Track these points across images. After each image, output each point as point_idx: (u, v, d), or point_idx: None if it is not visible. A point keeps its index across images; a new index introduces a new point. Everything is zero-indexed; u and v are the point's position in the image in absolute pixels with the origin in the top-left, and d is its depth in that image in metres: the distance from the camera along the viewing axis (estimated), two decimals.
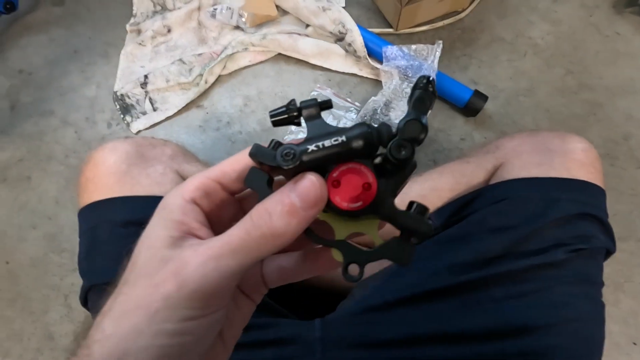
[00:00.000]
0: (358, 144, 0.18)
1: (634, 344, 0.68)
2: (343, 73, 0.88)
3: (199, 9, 0.92)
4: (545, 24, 0.94)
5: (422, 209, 0.19)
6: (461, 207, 0.52)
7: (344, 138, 0.18)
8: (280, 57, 0.90)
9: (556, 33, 0.93)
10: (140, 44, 0.90)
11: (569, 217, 0.44)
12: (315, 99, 0.21)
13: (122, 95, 0.85)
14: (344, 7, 0.93)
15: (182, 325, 0.17)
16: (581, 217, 0.45)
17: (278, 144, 0.20)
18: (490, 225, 0.46)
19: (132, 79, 0.87)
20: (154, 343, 0.17)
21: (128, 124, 0.84)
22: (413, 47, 0.81)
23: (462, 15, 0.93)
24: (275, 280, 0.23)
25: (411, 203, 0.20)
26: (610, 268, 0.72)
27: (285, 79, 0.88)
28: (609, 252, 0.46)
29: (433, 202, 0.55)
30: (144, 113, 0.85)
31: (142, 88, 0.85)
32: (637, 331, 0.69)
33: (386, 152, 0.18)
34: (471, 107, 0.80)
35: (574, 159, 0.48)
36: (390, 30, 0.92)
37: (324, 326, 0.43)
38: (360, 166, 0.19)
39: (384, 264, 0.53)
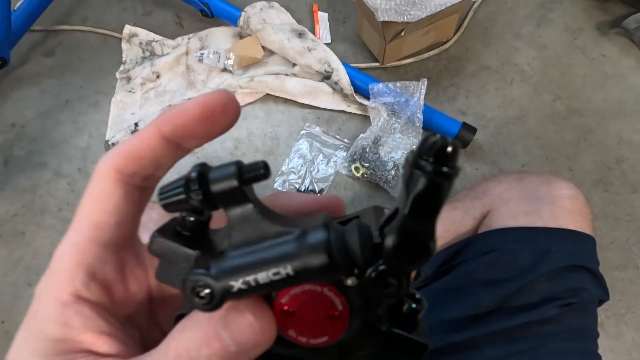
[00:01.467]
0: (312, 274, 0.12)
1: None
2: (331, 110, 0.89)
3: (186, 53, 0.94)
4: (530, 49, 0.94)
5: (415, 312, 0.14)
6: (450, 256, 0.52)
7: (289, 271, 0.12)
8: (269, 97, 0.90)
9: (542, 58, 0.93)
10: (130, 91, 0.91)
11: (559, 270, 0.44)
12: (236, 163, 0.13)
13: (113, 144, 0.86)
14: (330, 44, 0.94)
15: None
16: (572, 269, 0.44)
17: (193, 225, 0.14)
18: (481, 278, 0.46)
19: (123, 126, 0.88)
20: None
21: None
22: (398, 84, 0.82)
23: (448, 45, 0.94)
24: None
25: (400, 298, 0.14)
26: (610, 299, 0.71)
27: (274, 119, 0.89)
28: (602, 300, 0.46)
29: None
30: None
31: None
32: None
33: (364, 279, 0.12)
34: (460, 139, 0.80)
35: (561, 207, 0.48)
36: (377, 64, 0.92)
37: None
38: (323, 288, 0.13)
39: None
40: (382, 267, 0.12)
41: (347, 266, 0.12)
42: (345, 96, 0.87)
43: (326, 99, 0.88)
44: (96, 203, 0.14)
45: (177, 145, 0.14)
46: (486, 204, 0.53)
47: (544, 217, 0.47)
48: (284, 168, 0.84)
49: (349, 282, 0.13)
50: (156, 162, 0.14)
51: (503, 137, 0.86)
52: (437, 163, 0.11)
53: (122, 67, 0.95)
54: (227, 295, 0.12)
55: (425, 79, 0.80)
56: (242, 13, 0.90)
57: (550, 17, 0.98)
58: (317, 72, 0.87)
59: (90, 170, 0.85)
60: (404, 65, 0.93)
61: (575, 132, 0.86)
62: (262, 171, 0.13)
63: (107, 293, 0.14)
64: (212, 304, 0.12)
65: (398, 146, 0.80)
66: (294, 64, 0.91)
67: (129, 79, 0.94)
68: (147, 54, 0.97)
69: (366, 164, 0.80)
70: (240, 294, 0.12)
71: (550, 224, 0.47)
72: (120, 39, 0.98)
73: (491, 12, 0.98)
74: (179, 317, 0.14)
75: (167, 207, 0.13)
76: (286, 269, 0.12)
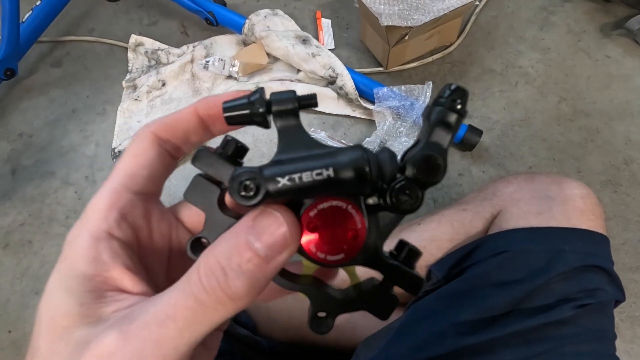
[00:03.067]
0: (349, 178, 0.13)
1: None
2: (336, 115, 0.89)
3: (192, 61, 0.95)
4: (534, 52, 0.94)
5: (414, 254, 0.16)
6: (461, 258, 0.51)
7: (330, 172, 0.13)
8: None
9: (546, 61, 0.93)
10: (136, 99, 0.92)
11: (573, 270, 0.43)
12: (292, 92, 0.15)
13: (120, 152, 0.86)
14: (334, 49, 0.95)
15: None
16: (586, 270, 0.43)
17: (233, 146, 0.15)
18: (494, 280, 0.45)
19: (130, 135, 0.88)
20: None
21: None
22: (403, 87, 0.82)
23: (451, 49, 0.94)
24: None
25: (401, 244, 0.16)
26: (624, 302, 0.69)
27: None
28: (618, 301, 0.45)
29: (433, 253, 0.54)
30: None
31: None
32: None
33: (387, 194, 0.14)
34: (467, 142, 0.80)
35: (573, 207, 0.47)
36: (381, 69, 0.93)
37: None
38: (348, 206, 0.14)
39: None
40: (403, 181, 0.14)
41: (378, 179, 0.14)
42: (350, 101, 0.88)
43: (331, 104, 0.88)
44: (133, 158, 0.16)
45: (206, 126, 0.16)
46: (496, 204, 0.53)
47: (556, 217, 0.47)
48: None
49: (371, 201, 0.15)
50: (186, 136, 0.16)
51: (509, 139, 0.85)
52: (451, 99, 0.14)
53: (128, 76, 0.96)
54: (272, 190, 0.13)
55: (431, 82, 0.81)
56: (247, 21, 0.91)
57: (553, 20, 0.98)
58: (322, 77, 0.88)
59: (98, 178, 0.86)
60: (408, 69, 0.93)
61: (582, 134, 0.85)
62: (313, 101, 0.15)
63: (135, 236, 0.16)
64: (257, 197, 0.13)
65: (404, 149, 0.80)
66: (299, 70, 0.91)
67: (135, 88, 0.94)
68: (153, 62, 0.98)
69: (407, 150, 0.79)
70: (284, 191, 0.13)
71: (562, 224, 0.46)
72: (126, 49, 0.99)
73: (493, 16, 0.99)
74: (195, 241, 0.15)
75: (230, 118, 0.15)
76: (328, 171, 0.13)
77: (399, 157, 0.15)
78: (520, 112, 0.88)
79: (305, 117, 0.89)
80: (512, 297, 0.43)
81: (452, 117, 0.14)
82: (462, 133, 0.80)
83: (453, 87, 0.14)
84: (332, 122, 0.89)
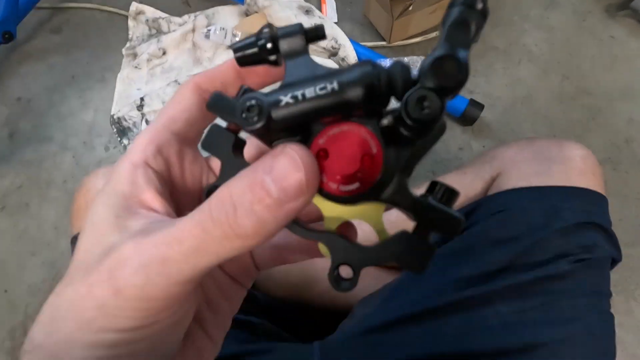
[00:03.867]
0: (356, 94, 0.12)
1: None
2: None
3: (193, 30, 0.94)
4: (538, 31, 0.94)
5: (450, 193, 0.14)
6: None
7: (335, 85, 0.12)
8: None
9: (550, 40, 0.93)
10: (136, 67, 0.91)
11: (571, 226, 0.43)
12: (299, 24, 0.14)
13: (119, 118, 0.86)
14: (336, 23, 0.94)
15: (125, 335, 0.14)
16: (584, 226, 0.43)
17: (248, 91, 0.14)
18: (493, 237, 0.45)
19: (129, 102, 0.88)
20: (92, 354, 0.14)
21: (125, 147, 0.84)
22: (406, 59, 0.81)
23: None
24: (269, 262, 0.20)
25: (433, 184, 0.14)
26: (619, 275, 0.70)
27: None
28: (614, 260, 0.45)
29: None
30: None
31: (139, 110, 0.86)
32: None
33: (400, 108, 0.12)
34: (468, 116, 0.80)
35: (573, 167, 0.47)
36: (384, 43, 0.92)
37: (322, 350, 0.42)
38: (360, 129, 0.13)
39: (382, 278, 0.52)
40: (420, 89, 0.12)
41: (389, 92, 0.13)
42: None
43: None
44: (174, 103, 0.17)
45: (243, 79, 0.17)
46: (496, 166, 0.52)
47: (555, 177, 0.47)
48: None
49: (385, 121, 0.13)
50: (224, 87, 0.17)
51: (511, 115, 0.85)
52: None
53: (128, 44, 0.95)
54: (274, 107, 0.12)
55: None
56: None
57: (558, 0, 0.97)
58: (324, 49, 0.87)
59: (96, 144, 0.85)
60: (411, 44, 0.92)
61: (584, 112, 0.85)
62: (320, 32, 0.15)
63: (167, 169, 0.17)
64: (260, 116, 0.12)
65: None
66: None
67: (135, 56, 0.93)
68: (154, 31, 0.97)
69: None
70: (286, 107, 0.12)
71: (562, 183, 0.46)
72: (126, 17, 0.98)
73: None
74: (210, 189, 0.14)
75: (240, 58, 0.15)
76: (332, 84, 0.12)
77: (415, 72, 0.13)
78: (522, 89, 0.88)
79: None
80: (510, 253, 0.43)
81: (472, 16, 0.12)
82: (464, 107, 0.80)
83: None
84: None
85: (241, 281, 0.20)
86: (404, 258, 0.14)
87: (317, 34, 0.14)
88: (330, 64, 0.86)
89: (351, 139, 0.13)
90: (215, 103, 0.15)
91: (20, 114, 0.89)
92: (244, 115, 0.12)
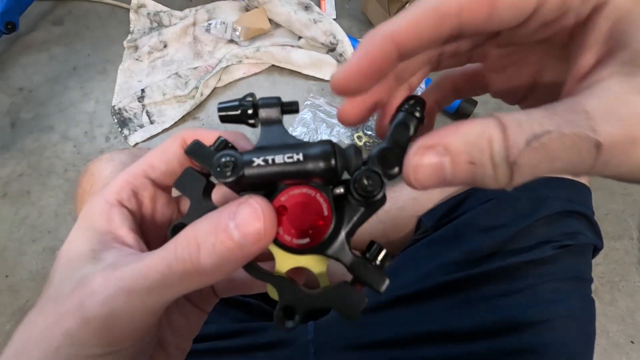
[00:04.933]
0: (317, 165, 0.15)
1: (632, 342, 0.68)
2: None
3: (194, 24, 0.95)
4: None
5: (383, 256, 0.16)
6: (451, 208, 0.53)
7: (300, 156, 0.15)
8: (274, 68, 0.92)
9: None
10: (137, 59, 0.93)
11: (556, 214, 0.45)
12: (277, 98, 0.17)
13: (119, 109, 0.87)
14: (335, 19, 0.95)
15: None
16: (568, 215, 0.45)
17: (224, 144, 0.16)
18: (480, 225, 0.47)
19: (130, 93, 0.89)
20: None
21: (126, 137, 0.85)
22: None
23: None
24: (226, 291, 0.21)
25: (371, 244, 0.16)
26: (604, 267, 0.72)
27: (279, 90, 0.90)
28: (596, 248, 0.47)
29: (424, 204, 0.56)
30: (141, 126, 0.86)
31: (139, 102, 0.87)
32: (635, 329, 0.69)
33: (350, 183, 0.15)
34: (461, 112, 0.82)
35: None
36: None
37: (317, 329, 0.44)
38: (316, 193, 0.15)
39: None
40: (366, 170, 0.15)
41: (343, 168, 0.16)
42: None
43: (331, 71, 0.89)
44: (158, 152, 0.18)
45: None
46: None
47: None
48: (295, 123, 0.85)
49: (337, 191, 0.16)
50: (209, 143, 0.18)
51: (503, 112, 0.87)
52: (412, 106, 0.16)
53: (129, 37, 0.97)
54: (246, 166, 0.15)
55: None
56: None
57: None
58: (323, 44, 0.89)
59: (97, 134, 0.87)
60: None
61: None
62: (295, 107, 0.17)
63: (140, 209, 0.18)
64: (233, 173, 0.14)
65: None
66: (300, 37, 0.92)
67: (136, 48, 0.95)
68: (155, 24, 0.98)
69: (369, 132, 0.81)
70: (257, 168, 0.15)
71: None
72: (127, 10, 0.99)
73: None
74: (176, 227, 0.16)
75: (223, 117, 0.17)
76: (298, 155, 0.15)
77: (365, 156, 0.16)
78: None
79: (304, 84, 0.91)
80: (497, 240, 0.45)
81: (412, 121, 0.16)
82: (457, 103, 0.82)
83: (414, 97, 0.16)
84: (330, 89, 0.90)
85: (201, 307, 0.21)
86: (341, 305, 0.16)
87: (291, 108, 0.17)
88: (321, 103, 0.88)
89: (308, 201, 0.15)
90: (194, 150, 0.16)
91: (21, 103, 0.90)
92: (218, 168, 0.15)
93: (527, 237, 0.45)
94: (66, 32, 0.98)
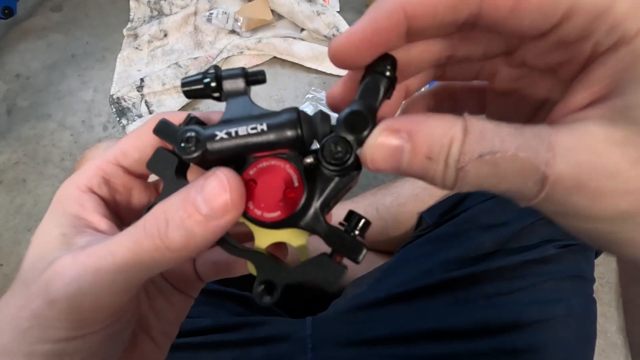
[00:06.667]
0: (282, 135, 0.14)
1: None
2: (337, 76, 0.89)
3: (195, 13, 0.93)
4: None
5: (362, 225, 0.15)
6: (453, 205, 0.52)
7: (264, 127, 0.14)
8: (276, 60, 0.90)
9: None
10: (137, 48, 0.91)
11: None
12: (242, 68, 0.16)
13: (118, 98, 0.86)
14: (338, 12, 0.94)
15: (60, 346, 0.15)
16: None
17: (194, 122, 0.16)
18: (482, 223, 0.47)
19: (129, 82, 0.88)
20: None
21: (124, 127, 0.84)
22: None
23: None
24: (210, 275, 0.21)
25: (350, 214, 0.16)
26: (604, 268, 0.72)
27: (280, 82, 0.89)
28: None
29: (425, 201, 0.55)
30: (140, 116, 0.85)
31: (139, 91, 0.86)
32: None
33: (318, 151, 0.14)
34: None
35: None
36: None
37: (315, 324, 0.43)
38: (285, 164, 0.15)
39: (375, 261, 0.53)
40: (334, 136, 0.14)
41: (310, 137, 0.15)
42: None
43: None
44: (132, 138, 0.18)
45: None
46: None
47: None
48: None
49: (307, 160, 0.15)
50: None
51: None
52: (382, 65, 0.14)
53: (129, 25, 0.95)
54: (209, 141, 0.14)
55: None
56: None
57: None
58: (325, 37, 0.87)
59: (95, 123, 0.85)
60: None
61: None
62: (261, 77, 0.16)
63: (113, 197, 0.18)
64: (196, 147, 0.14)
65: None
66: (302, 29, 0.91)
67: (136, 36, 0.93)
68: (155, 13, 0.97)
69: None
70: (220, 142, 0.14)
71: None
72: None
73: None
74: (150, 207, 0.15)
75: (187, 92, 0.16)
76: (262, 126, 0.14)
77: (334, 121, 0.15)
78: None
79: (306, 77, 0.90)
80: (499, 238, 0.45)
81: (382, 81, 0.14)
82: None
83: (384, 56, 0.14)
84: (332, 82, 0.89)
85: (186, 291, 0.21)
86: (321, 276, 0.15)
87: (257, 78, 0.16)
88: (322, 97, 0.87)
89: (276, 173, 0.15)
90: (162, 129, 0.16)
91: (18, 90, 0.88)
92: (182, 144, 0.14)
93: (529, 236, 0.44)
94: (65, 18, 0.97)
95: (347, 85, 0.16)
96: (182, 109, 0.86)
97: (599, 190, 0.11)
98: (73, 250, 0.15)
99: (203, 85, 0.16)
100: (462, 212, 0.50)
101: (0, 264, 0.74)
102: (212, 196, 0.14)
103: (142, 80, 0.87)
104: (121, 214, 0.18)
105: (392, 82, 0.15)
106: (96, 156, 0.47)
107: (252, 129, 0.14)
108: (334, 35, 0.86)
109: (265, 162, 0.15)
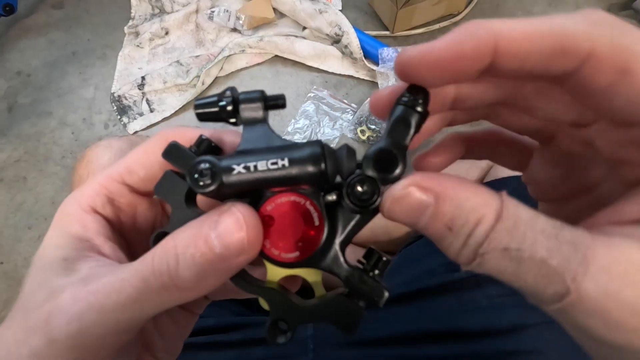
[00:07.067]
0: (304, 171, 0.13)
1: None
2: (340, 75, 0.88)
3: (196, 11, 0.93)
4: None
5: (382, 264, 0.14)
6: None
7: (285, 162, 0.13)
8: (277, 59, 0.90)
9: None
10: (138, 46, 0.91)
11: None
12: (261, 91, 0.15)
13: (119, 96, 0.86)
14: (340, 10, 0.94)
15: None
16: None
17: (206, 144, 0.15)
18: None
19: (130, 80, 0.87)
20: None
21: (125, 125, 0.84)
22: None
23: (458, 18, 0.94)
24: (218, 294, 0.20)
25: (370, 252, 0.15)
26: None
27: (282, 81, 0.89)
28: None
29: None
30: (141, 114, 0.85)
31: (140, 89, 0.86)
32: None
33: (343, 189, 0.13)
34: None
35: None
36: (387, 32, 0.92)
37: (316, 324, 0.43)
38: (306, 201, 0.14)
39: None
40: (361, 175, 0.13)
41: (334, 173, 0.14)
42: (354, 61, 0.87)
43: (335, 63, 0.88)
44: (137, 154, 0.17)
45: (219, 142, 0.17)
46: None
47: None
48: (289, 128, 0.84)
49: (329, 198, 0.14)
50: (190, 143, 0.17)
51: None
52: (413, 99, 0.13)
53: (130, 22, 0.95)
54: (226, 174, 0.13)
55: None
56: None
57: None
58: (327, 35, 0.87)
59: (95, 121, 0.85)
60: (414, 35, 0.92)
61: None
62: (281, 102, 0.15)
63: (118, 217, 0.17)
64: (212, 182, 0.13)
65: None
66: (304, 28, 0.90)
67: (137, 34, 0.93)
68: (157, 10, 0.96)
69: (372, 127, 0.80)
70: (238, 176, 0.13)
71: None
72: None
73: None
74: (158, 237, 0.14)
75: (200, 115, 0.15)
76: (283, 161, 0.13)
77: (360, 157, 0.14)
78: None
79: (308, 75, 0.89)
80: None
81: (413, 116, 0.13)
82: None
83: (416, 87, 0.14)
84: (335, 81, 0.89)
85: (191, 309, 0.20)
86: (337, 319, 0.14)
87: (276, 102, 0.15)
88: (324, 95, 0.86)
89: (296, 210, 0.14)
90: (171, 152, 0.15)
91: (19, 87, 0.88)
92: (196, 176, 0.13)
93: None
94: (66, 16, 0.96)
95: (397, 93, 0.15)
96: (183, 107, 0.86)
97: (620, 323, 0.10)
98: (76, 280, 0.14)
99: (218, 109, 0.15)
100: None
101: (0, 262, 0.74)
102: (227, 234, 0.13)
103: (143, 78, 0.86)
104: (125, 233, 0.18)
105: (423, 118, 0.14)
106: (100, 156, 0.47)
107: (273, 163, 0.13)
108: (336, 34, 0.86)
109: (284, 198, 0.14)
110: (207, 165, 0.13)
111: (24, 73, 0.90)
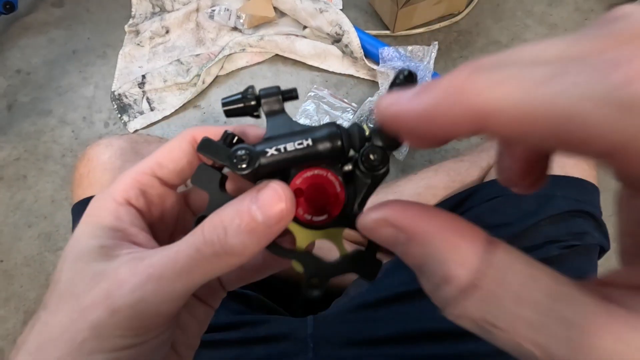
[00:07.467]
0: (325, 147, 0.16)
1: None
2: (340, 74, 0.88)
3: (197, 10, 0.93)
4: (540, 27, 0.94)
5: None
6: (456, 204, 0.52)
7: (309, 141, 0.16)
8: (278, 58, 0.90)
9: (552, 36, 0.93)
10: (138, 44, 0.91)
11: (562, 214, 0.44)
12: (277, 87, 0.18)
13: (119, 95, 0.85)
14: (341, 10, 0.94)
15: (115, 355, 0.15)
16: (575, 214, 0.45)
17: (232, 137, 0.18)
18: (485, 223, 0.46)
19: (130, 79, 0.87)
20: None
21: (125, 124, 0.84)
22: (409, 48, 0.82)
23: (458, 18, 0.94)
24: (234, 282, 0.21)
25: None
26: (604, 269, 0.72)
27: (282, 80, 0.89)
28: (603, 249, 0.46)
29: (428, 200, 0.55)
30: (141, 113, 0.85)
31: (140, 88, 0.86)
32: None
33: (357, 159, 0.16)
34: None
35: (567, 157, 0.48)
36: (387, 32, 0.92)
37: (316, 323, 0.43)
38: (327, 173, 0.17)
39: None
40: (372, 146, 0.16)
41: (349, 147, 0.17)
42: (354, 60, 0.87)
43: (335, 62, 0.88)
44: (167, 150, 0.18)
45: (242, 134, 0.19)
46: (493, 155, 0.53)
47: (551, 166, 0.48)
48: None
49: (346, 168, 0.17)
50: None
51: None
52: (404, 80, 0.16)
53: (131, 21, 0.95)
54: (261, 157, 0.16)
55: (437, 42, 0.80)
56: None
57: None
58: (328, 35, 0.87)
59: (95, 119, 0.85)
60: (414, 34, 0.92)
61: None
62: (294, 94, 0.18)
63: (149, 209, 0.19)
64: (250, 164, 0.16)
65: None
66: (305, 27, 0.90)
67: (137, 33, 0.93)
68: (157, 9, 0.96)
69: (372, 126, 0.80)
70: (271, 157, 0.16)
71: (556, 172, 0.47)
72: None
73: None
74: (200, 218, 0.16)
75: (228, 111, 0.18)
76: (307, 141, 0.16)
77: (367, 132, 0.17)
78: None
79: (308, 74, 0.89)
80: (502, 238, 0.44)
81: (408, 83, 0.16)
82: None
83: (406, 72, 0.16)
84: (335, 80, 0.89)
85: (209, 303, 0.21)
86: (359, 270, 0.17)
87: (291, 95, 0.18)
88: (325, 95, 0.86)
89: (321, 181, 0.17)
90: (206, 146, 0.17)
91: (19, 86, 0.88)
92: (235, 160, 0.16)
93: (532, 236, 0.44)
94: (66, 14, 0.96)
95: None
96: (183, 106, 0.86)
97: None
98: (124, 262, 0.15)
99: (243, 105, 0.18)
100: (465, 212, 0.50)
101: (0, 260, 0.74)
102: (268, 205, 0.15)
103: (143, 76, 0.86)
104: (153, 225, 0.19)
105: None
106: (101, 155, 0.47)
107: (299, 144, 0.16)
108: (336, 33, 0.86)
109: (310, 172, 0.17)
110: (244, 151, 0.15)
111: (23, 71, 0.90)
